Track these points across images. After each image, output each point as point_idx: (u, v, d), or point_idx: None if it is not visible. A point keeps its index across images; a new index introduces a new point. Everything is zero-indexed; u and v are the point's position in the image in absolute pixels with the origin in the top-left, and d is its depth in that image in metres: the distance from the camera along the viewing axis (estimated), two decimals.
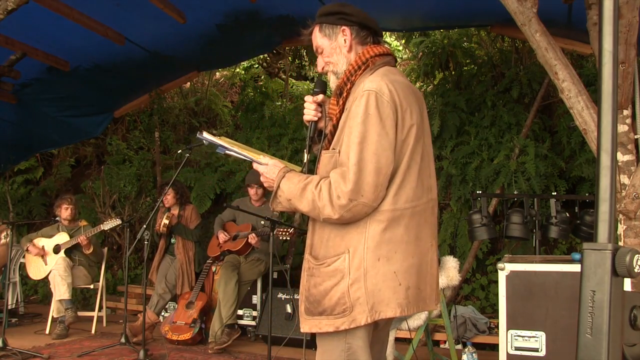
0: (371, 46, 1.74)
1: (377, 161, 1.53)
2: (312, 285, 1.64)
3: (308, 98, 1.84)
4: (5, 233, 5.37)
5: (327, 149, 1.69)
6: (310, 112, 1.83)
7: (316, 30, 1.80)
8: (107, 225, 4.74)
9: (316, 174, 1.70)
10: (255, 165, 1.77)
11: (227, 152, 1.80)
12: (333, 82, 1.81)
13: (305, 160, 1.80)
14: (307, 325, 1.65)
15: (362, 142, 1.53)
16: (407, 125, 1.60)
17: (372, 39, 1.78)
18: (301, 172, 1.76)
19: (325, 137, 1.78)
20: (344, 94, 1.71)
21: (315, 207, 1.57)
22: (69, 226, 5.18)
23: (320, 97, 1.83)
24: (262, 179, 1.76)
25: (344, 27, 1.74)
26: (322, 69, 1.82)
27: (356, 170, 1.52)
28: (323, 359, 1.66)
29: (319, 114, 1.83)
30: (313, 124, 1.84)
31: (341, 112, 1.69)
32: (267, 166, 1.73)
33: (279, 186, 1.66)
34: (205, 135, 1.84)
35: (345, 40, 1.74)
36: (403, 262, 1.58)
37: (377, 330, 1.77)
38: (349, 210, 1.53)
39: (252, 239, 4.58)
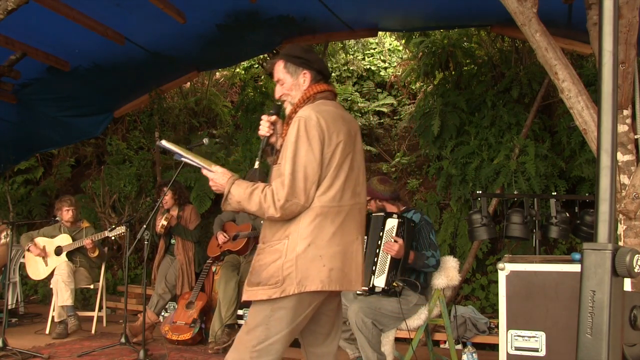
0: (314, 84, 2.14)
1: (304, 171, 1.94)
2: (256, 261, 2.02)
3: (264, 117, 2.21)
4: (5, 233, 5.37)
5: (276, 163, 2.08)
6: (264, 128, 2.20)
7: (281, 64, 2.17)
8: (112, 232, 4.68)
9: (269, 181, 2.07)
10: (204, 172, 2.11)
11: (182, 158, 2.14)
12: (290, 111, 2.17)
13: (256, 166, 2.16)
14: (247, 294, 2.00)
15: (294, 157, 1.94)
16: (333, 143, 1.99)
17: (322, 81, 2.17)
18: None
19: (277, 151, 2.14)
20: (289, 122, 2.08)
21: (261, 207, 1.95)
22: (71, 228, 5.14)
23: (273, 117, 2.21)
24: (210, 183, 2.10)
25: (305, 71, 2.14)
26: (279, 96, 2.19)
27: (291, 179, 1.93)
28: (249, 321, 2.00)
29: (271, 131, 2.20)
30: (265, 138, 2.20)
31: (286, 135, 2.06)
32: (216, 173, 2.08)
33: (229, 191, 2.01)
34: (164, 143, 2.19)
35: (304, 81, 2.15)
36: (329, 248, 1.95)
37: (330, 299, 2.12)
38: (286, 209, 1.93)
39: None
